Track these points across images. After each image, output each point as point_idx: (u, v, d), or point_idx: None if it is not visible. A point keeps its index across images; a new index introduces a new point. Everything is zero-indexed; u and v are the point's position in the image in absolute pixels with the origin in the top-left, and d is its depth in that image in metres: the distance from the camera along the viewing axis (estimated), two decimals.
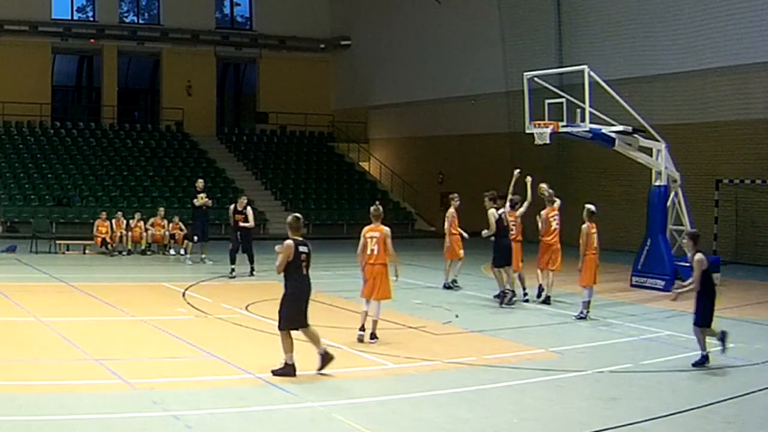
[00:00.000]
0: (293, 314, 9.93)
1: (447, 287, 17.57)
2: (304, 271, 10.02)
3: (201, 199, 22.52)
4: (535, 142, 18.61)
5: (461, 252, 17.64)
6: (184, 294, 16.10)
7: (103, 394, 8.78)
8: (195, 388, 9.28)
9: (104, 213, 24.73)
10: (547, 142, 18.48)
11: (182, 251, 23.70)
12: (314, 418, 8.32)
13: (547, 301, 15.79)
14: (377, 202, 14.71)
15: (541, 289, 16.16)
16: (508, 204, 15.94)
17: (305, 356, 11.16)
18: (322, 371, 9.86)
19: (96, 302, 15.03)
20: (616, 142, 18.55)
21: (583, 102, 17.89)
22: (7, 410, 7.97)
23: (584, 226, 14.35)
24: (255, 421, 8.16)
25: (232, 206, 20.33)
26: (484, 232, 15.63)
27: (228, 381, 9.69)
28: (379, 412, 8.60)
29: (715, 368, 10.91)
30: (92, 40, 37.39)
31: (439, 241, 21.62)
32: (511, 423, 8.40)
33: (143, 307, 14.40)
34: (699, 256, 10.92)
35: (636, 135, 18.83)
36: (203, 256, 22.28)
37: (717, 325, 12.48)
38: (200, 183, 23.78)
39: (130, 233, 24.02)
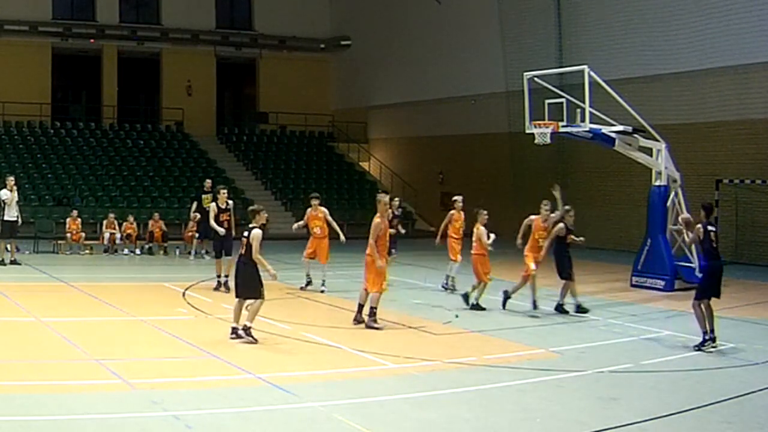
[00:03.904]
0: None
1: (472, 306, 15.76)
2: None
3: (206, 201, 22.79)
4: (535, 142, 18.63)
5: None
6: (184, 294, 16.10)
7: (103, 394, 8.78)
8: (195, 388, 9.28)
9: (75, 211, 25.04)
10: (548, 142, 18.49)
11: (137, 251, 24.25)
12: (314, 418, 8.31)
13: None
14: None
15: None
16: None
17: (307, 356, 11.19)
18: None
19: (96, 302, 15.03)
20: (616, 142, 18.55)
21: (583, 102, 17.90)
22: (7, 410, 7.97)
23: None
24: (255, 421, 8.16)
25: (212, 205, 17.27)
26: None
27: (228, 381, 9.69)
28: (379, 412, 8.59)
29: (715, 368, 10.93)
30: (92, 40, 37.41)
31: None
32: (514, 422, 8.40)
33: (143, 307, 14.40)
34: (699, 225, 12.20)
35: (636, 135, 18.84)
36: (203, 251, 22.90)
37: (718, 326, 12.50)
38: (208, 183, 23.99)
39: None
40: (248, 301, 12.00)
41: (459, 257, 17.30)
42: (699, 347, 11.81)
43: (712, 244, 12.13)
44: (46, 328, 12.29)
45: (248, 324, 11.71)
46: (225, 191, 17.09)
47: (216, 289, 16.57)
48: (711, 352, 11.73)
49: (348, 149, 39.58)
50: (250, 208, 12.46)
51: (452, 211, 17.53)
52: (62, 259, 22.78)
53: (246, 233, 11.93)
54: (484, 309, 15.10)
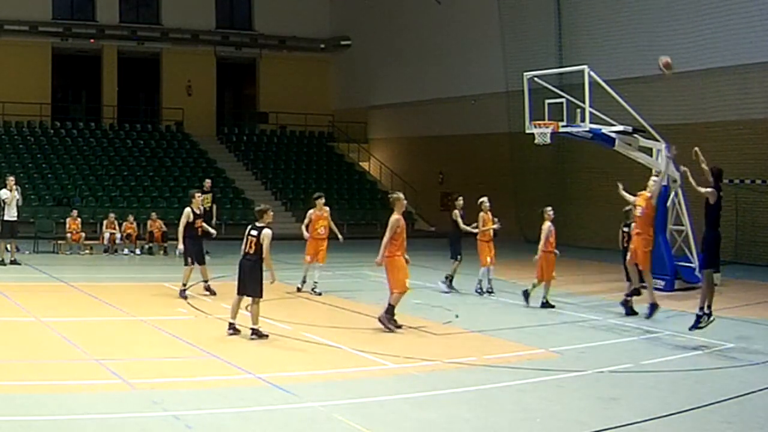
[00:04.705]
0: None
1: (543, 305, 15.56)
2: (244, 249, 12.11)
3: (206, 201, 22.81)
4: (535, 142, 18.63)
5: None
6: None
7: (103, 394, 8.78)
8: (195, 388, 9.28)
9: (75, 211, 25.09)
10: (548, 142, 18.50)
11: (137, 251, 24.16)
12: (314, 418, 8.31)
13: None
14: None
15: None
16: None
17: (307, 356, 11.19)
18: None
19: (96, 302, 15.04)
20: (616, 142, 18.56)
21: (583, 102, 17.90)
22: (7, 410, 7.97)
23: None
24: (255, 421, 8.16)
25: (187, 210, 15.86)
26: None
27: (228, 381, 9.69)
28: (379, 412, 8.59)
29: (715, 368, 10.93)
30: (92, 40, 37.41)
31: (439, 242, 21.65)
32: (514, 422, 8.40)
33: (143, 307, 14.40)
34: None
35: (636, 135, 18.84)
36: (204, 251, 22.70)
37: (718, 326, 12.52)
38: (208, 183, 24.02)
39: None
40: (246, 302, 12.03)
41: (488, 260, 17.06)
42: (695, 326, 11.85)
43: (719, 211, 12.09)
44: (46, 328, 12.29)
45: (254, 327, 11.88)
46: (200, 195, 16.39)
47: (207, 291, 15.90)
48: (705, 327, 11.81)
49: (348, 149, 39.60)
50: (257, 207, 12.47)
51: (481, 213, 17.10)
52: (62, 259, 22.78)
53: (254, 231, 11.99)
54: (553, 307, 15.29)
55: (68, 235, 24.00)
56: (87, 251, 23.82)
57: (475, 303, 16.34)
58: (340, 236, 17.13)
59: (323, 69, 41.78)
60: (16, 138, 33.83)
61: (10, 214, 20.49)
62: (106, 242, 24.07)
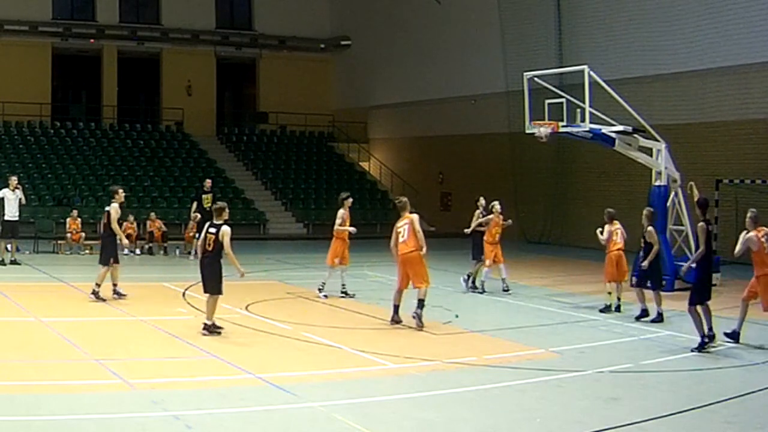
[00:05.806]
0: None
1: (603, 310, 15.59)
2: (203, 248, 12.15)
3: (206, 201, 22.88)
4: (536, 135, 18.61)
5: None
6: (184, 294, 16.08)
7: (103, 394, 8.78)
8: (195, 388, 9.28)
9: (75, 211, 25.06)
10: (548, 133, 18.49)
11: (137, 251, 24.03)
12: (314, 418, 8.32)
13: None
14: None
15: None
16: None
17: (307, 356, 11.19)
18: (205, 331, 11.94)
19: (96, 302, 15.01)
20: (616, 142, 18.56)
21: (583, 102, 17.91)
22: (7, 410, 7.97)
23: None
24: (255, 421, 8.16)
25: (116, 206, 15.29)
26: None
27: (228, 381, 9.70)
28: (379, 412, 8.60)
29: (715, 368, 10.93)
30: (92, 40, 37.41)
31: (439, 242, 21.63)
32: (514, 422, 8.40)
33: (143, 307, 14.40)
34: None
35: (636, 135, 18.85)
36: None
37: (718, 326, 12.50)
38: (208, 183, 24.00)
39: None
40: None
41: (488, 262, 17.17)
42: (698, 349, 11.78)
43: (711, 247, 12.02)
44: (46, 328, 12.30)
45: (207, 322, 11.99)
46: (123, 192, 15.86)
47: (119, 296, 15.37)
48: (711, 352, 11.74)
49: (348, 149, 39.60)
50: (215, 206, 12.49)
51: (491, 216, 17.22)
52: (62, 259, 22.77)
53: (212, 229, 12.05)
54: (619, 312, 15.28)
55: (68, 235, 23.98)
56: (87, 251, 23.80)
57: (475, 303, 16.34)
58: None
59: (323, 69, 41.78)
60: (16, 138, 33.82)
61: (11, 214, 20.47)
62: None
